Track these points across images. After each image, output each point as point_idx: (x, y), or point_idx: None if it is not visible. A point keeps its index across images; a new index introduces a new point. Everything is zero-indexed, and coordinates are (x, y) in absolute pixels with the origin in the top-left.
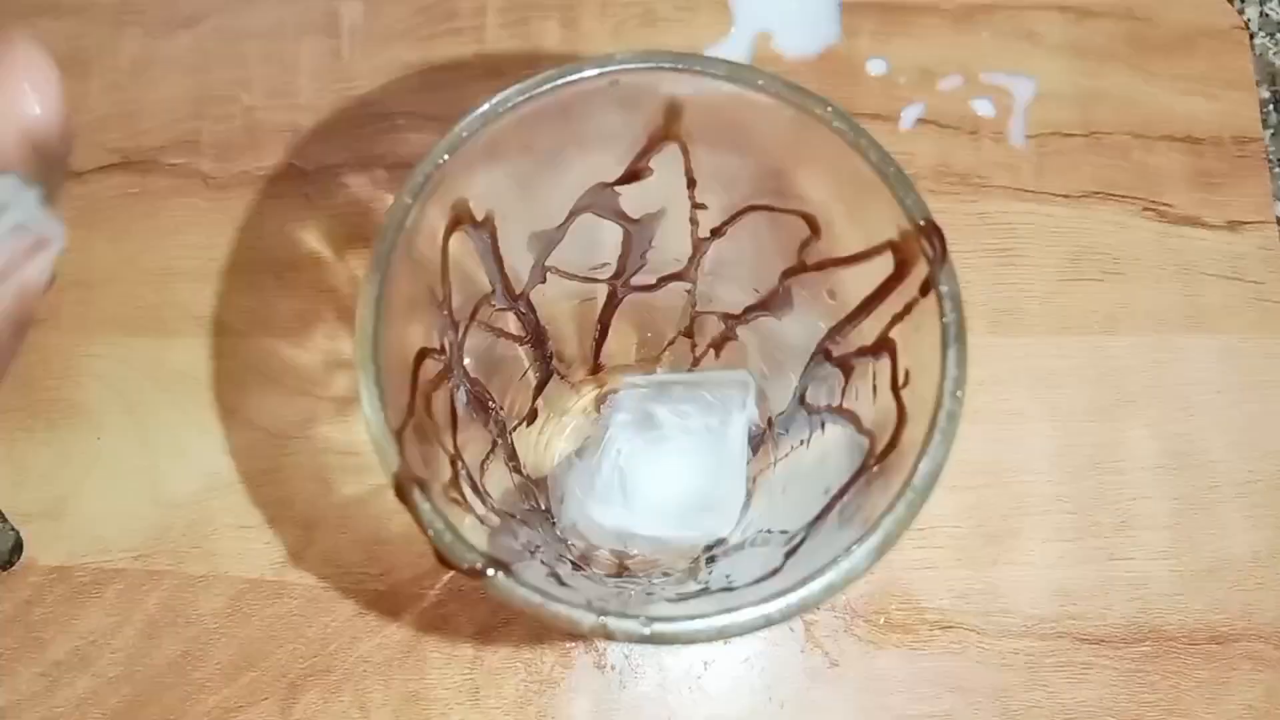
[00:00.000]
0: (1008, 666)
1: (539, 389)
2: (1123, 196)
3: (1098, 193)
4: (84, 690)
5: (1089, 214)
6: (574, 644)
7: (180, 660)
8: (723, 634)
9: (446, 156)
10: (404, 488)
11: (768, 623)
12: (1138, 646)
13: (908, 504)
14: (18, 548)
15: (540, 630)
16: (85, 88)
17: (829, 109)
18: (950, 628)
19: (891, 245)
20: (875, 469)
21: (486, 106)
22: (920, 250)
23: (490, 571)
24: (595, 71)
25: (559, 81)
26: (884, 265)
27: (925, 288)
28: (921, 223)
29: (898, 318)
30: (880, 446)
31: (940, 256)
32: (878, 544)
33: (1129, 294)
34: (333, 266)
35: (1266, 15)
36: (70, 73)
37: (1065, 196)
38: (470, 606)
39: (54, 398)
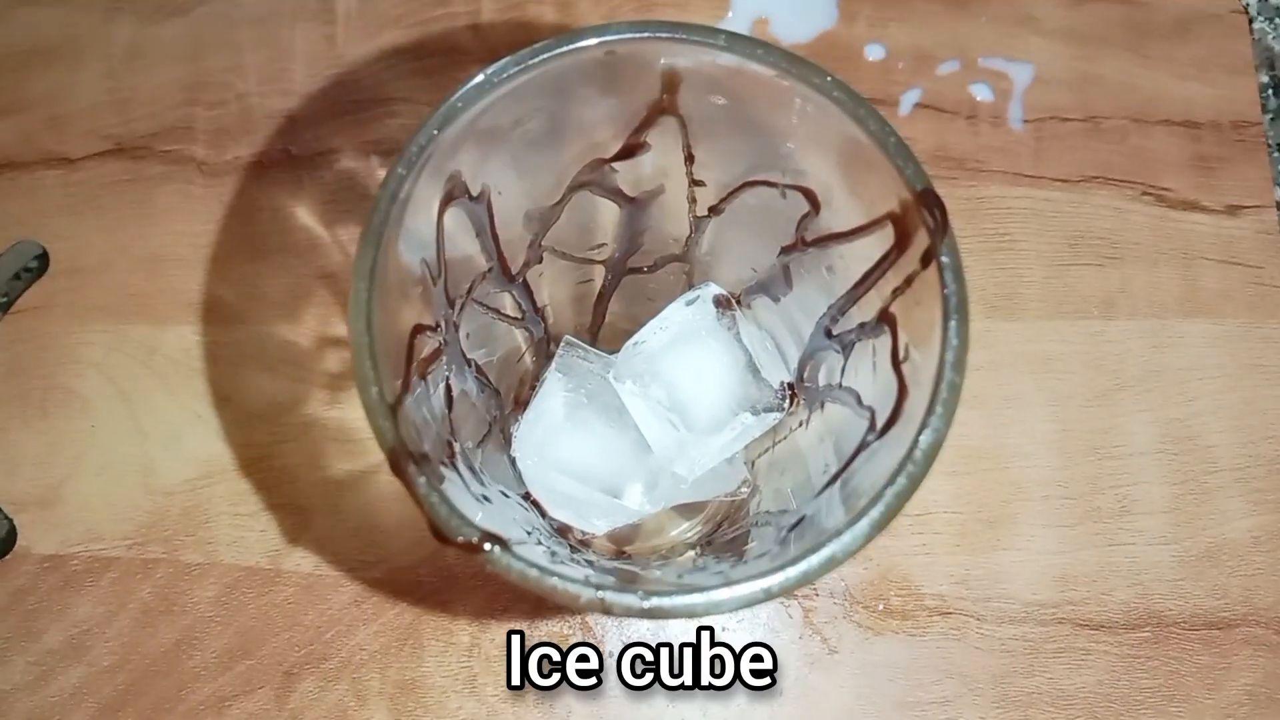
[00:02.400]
0: (1007, 652)
1: (536, 371)
2: (1121, 181)
3: (1096, 177)
4: (78, 679)
5: (1087, 199)
6: (570, 629)
7: (175, 649)
8: (720, 608)
9: (440, 128)
10: (399, 462)
11: (767, 596)
12: (1137, 632)
13: (909, 476)
14: (11, 536)
15: (537, 616)
16: (78, 75)
17: (828, 79)
18: (949, 614)
19: (892, 216)
20: (876, 444)
21: (481, 77)
22: (921, 220)
23: (487, 546)
24: (591, 41)
25: (554, 51)
26: (883, 240)
27: (926, 259)
28: (922, 191)
29: (898, 291)
30: (881, 421)
31: (941, 227)
32: (879, 516)
33: (1127, 278)
34: (325, 251)
35: None
36: (63, 60)
37: (1063, 181)
38: (467, 593)
39: (47, 385)
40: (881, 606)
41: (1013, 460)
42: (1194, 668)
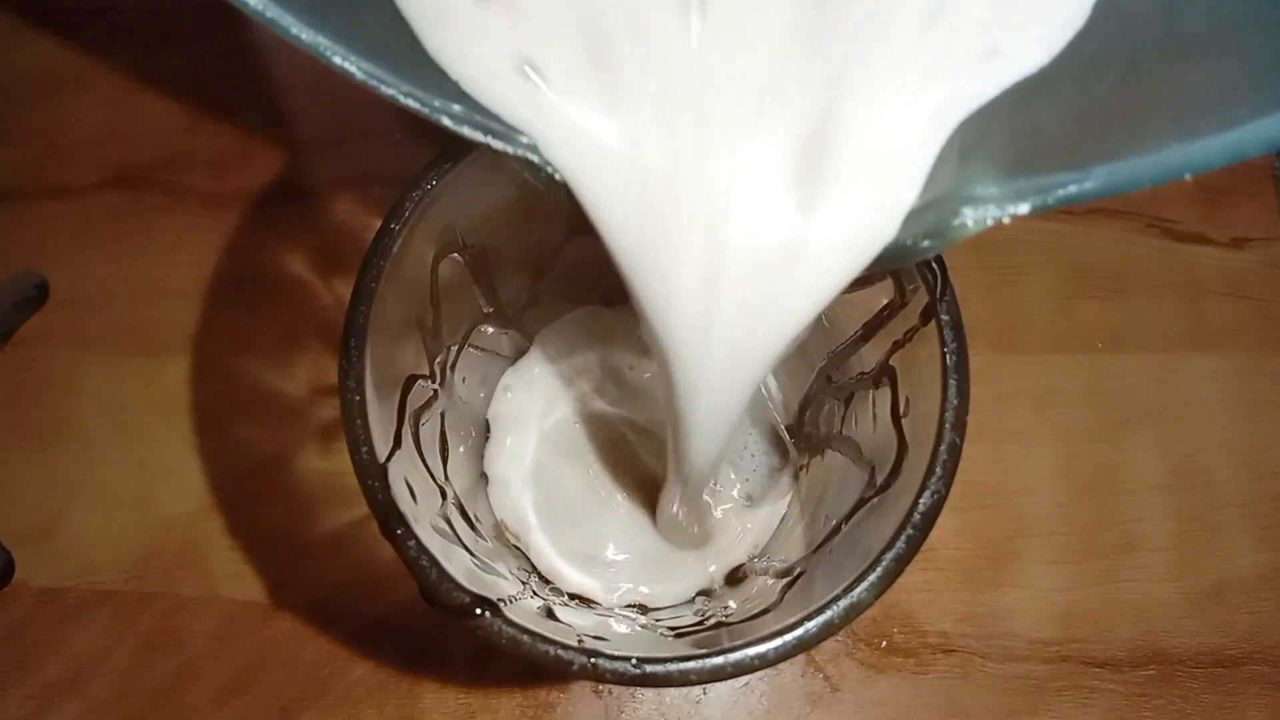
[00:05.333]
0: (1011, 691)
1: None
2: (1126, 213)
3: (1101, 209)
4: (75, 714)
5: (1092, 231)
6: None
7: (172, 684)
8: (717, 675)
9: (434, 183)
10: (389, 525)
11: (764, 663)
12: (1143, 670)
13: (909, 540)
14: (8, 569)
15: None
16: (80, 103)
17: None
18: (952, 651)
19: (891, 271)
20: (875, 500)
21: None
22: (920, 276)
23: (478, 610)
24: None
25: None
26: (883, 293)
27: (926, 316)
28: None
29: (898, 345)
30: (881, 477)
31: (941, 284)
32: (878, 581)
33: (1132, 312)
34: (326, 284)
35: None
36: (65, 88)
37: (1068, 213)
38: (465, 630)
39: (46, 416)
40: (884, 644)
41: (1016, 496)
42: (1200, 706)
